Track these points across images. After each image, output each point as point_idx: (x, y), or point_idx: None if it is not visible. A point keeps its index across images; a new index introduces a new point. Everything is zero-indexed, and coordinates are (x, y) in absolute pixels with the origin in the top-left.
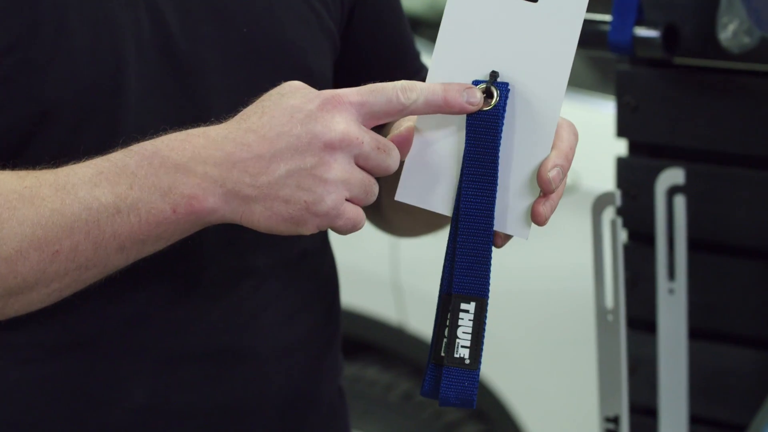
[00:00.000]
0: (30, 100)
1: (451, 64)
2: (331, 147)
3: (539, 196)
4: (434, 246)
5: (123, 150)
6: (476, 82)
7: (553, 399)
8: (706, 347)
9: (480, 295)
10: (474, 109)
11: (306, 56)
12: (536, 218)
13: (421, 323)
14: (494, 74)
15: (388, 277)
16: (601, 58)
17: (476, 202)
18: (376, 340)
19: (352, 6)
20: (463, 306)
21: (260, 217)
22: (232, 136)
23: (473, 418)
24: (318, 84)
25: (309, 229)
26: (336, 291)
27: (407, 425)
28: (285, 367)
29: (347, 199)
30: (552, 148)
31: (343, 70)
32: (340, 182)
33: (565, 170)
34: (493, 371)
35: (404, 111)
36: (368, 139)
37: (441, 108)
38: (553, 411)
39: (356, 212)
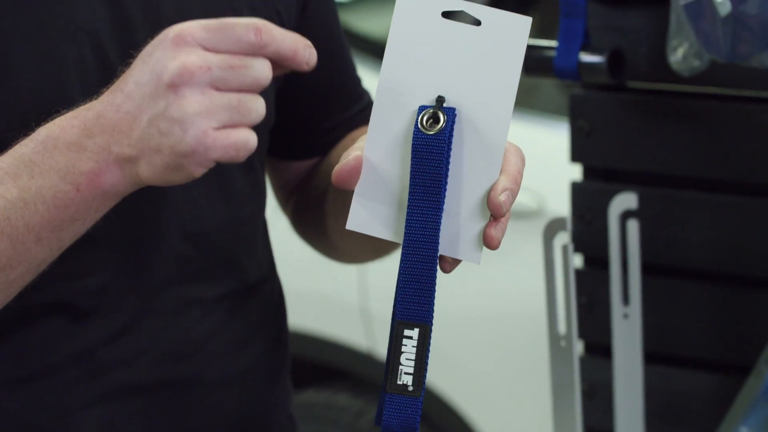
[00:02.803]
0: None
1: (397, 90)
2: (173, 84)
3: (490, 220)
4: None
5: (22, 140)
6: (422, 108)
7: (518, 421)
8: (662, 371)
9: (423, 321)
10: (308, 69)
11: None
12: (489, 242)
13: None
14: (440, 99)
15: (356, 304)
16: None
17: (421, 228)
18: (346, 367)
19: None
20: (407, 332)
21: (147, 173)
22: (107, 100)
23: None
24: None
25: (192, 172)
26: (284, 319)
27: None
28: (234, 394)
29: (221, 128)
30: (500, 172)
31: (286, 98)
32: (197, 115)
33: (514, 193)
34: (461, 397)
35: (254, 52)
36: (217, 61)
37: (287, 61)
38: None
39: (236, 137)
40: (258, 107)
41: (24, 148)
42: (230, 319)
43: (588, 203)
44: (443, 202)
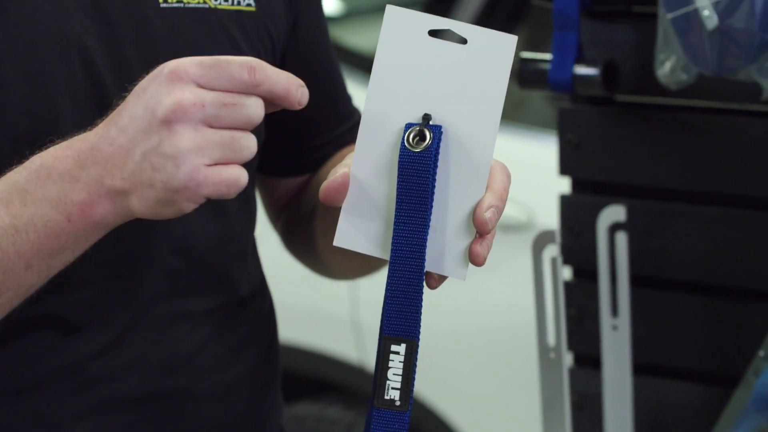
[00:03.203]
0: None
1: (384, 107)
2: (167, 120)
3: (476, 237)
4: None
5: (16, 167)
6: (409, 125)
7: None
8: (651, 382)
9: (410, 337)
10: (299, 108)
11: None
12: (474, 259)
13: None
14: (427, 117)
15: (348, 317)
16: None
17: (407, 244)
18: (337, 379)
19: (283, 54)
20: (394, 348)
21: (139, 207)
22: (102, 133)
23: None
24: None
25: (183, 207)
26: (274, 332)
27: None
28: (225, 407)
29: (213, 164)
30: (486, 189)
31: (276, 117)
32: (189, 152)
33: (500, 210)
34: (453, 409)
35: (247, 91)
36: (210, 98)
37: (280, 100)
38: None
39: (227, 174)
40: (250, 145)
41: (17, 175)
42: (220, 333)
43: (577, 216)
44: (429, 219)
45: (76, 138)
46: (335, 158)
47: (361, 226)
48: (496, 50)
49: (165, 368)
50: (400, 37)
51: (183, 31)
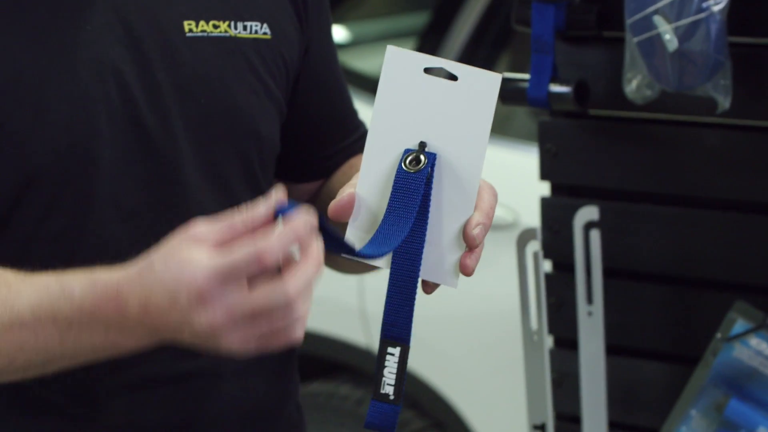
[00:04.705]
0: (15, 170)
1: (385, 136)
2: (206, 335)
3: (465, 251)
4: None
5: (60, 288)
6: (407, 151)
7: (498, 406)
8: (622, 362)
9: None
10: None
11: (255, 121)
12: (464, 270)
13: None
14: (422, 144)
15: (356, 305)
16: (541, 112)
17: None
18: (347, 361)
19: (296, 76)
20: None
21: (187, 345)
22: (143, 302)
23: (433, 428)
24: (266, 145)
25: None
26: None
27: None
28: (245, 385)
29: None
30: (475, 208)
31: (291, 129)
32: (232, 345)
33: (486, 227)
34: (449, 386)
35: (264, 269)
36: (240, 312)
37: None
38: (501, 419)
39: (284, 339)
40: (291, 332)
41: (62, 303)
42: None
43: (556, 215)
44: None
45: (114, 286)
46: (345, 167)
47: (365, 239)
48: (483, 86)
49: (190, 351)
50: (399, 74)
51: (207, 57)
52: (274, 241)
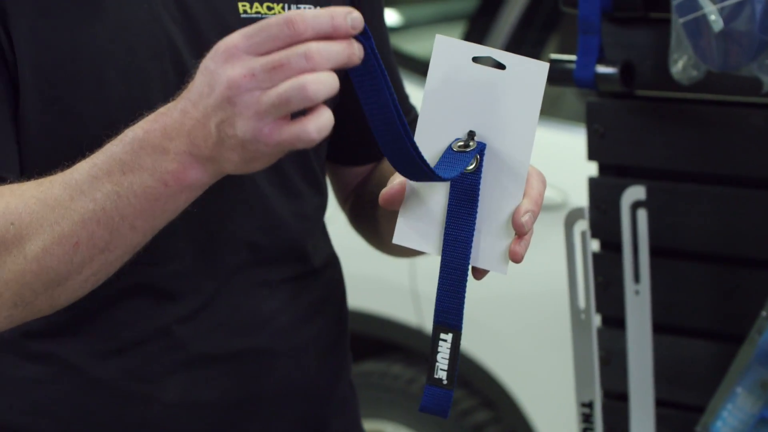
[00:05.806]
0: (72, 144)
1: (434, 124)
2: (226, 97)
3: (515, 238)
4: None
5: (114, 139)
6: (457, 140)
7: (547, 385)
8: (669, 340)
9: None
10: (356, 32)
11: None
12: (513, 257)
13: None
14: (471, 133)
15: (407, 285)
16: (589, 93)
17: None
18: (399, 341)
19: None
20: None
21: (228, 167)
22: (180, 107)
23: (484, 406)
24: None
25: (270, 160)
26: (343, 297)
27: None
28: (299, 364)
29: (282, 119)
30: (524, 195)
31: (341, 116)
32: (252, 119)
33: (535, 215)
34: (498, 365)
35: (294, 42)
36: (259, 66)
37: (330, 34)
38: (549, 397)
39: (297, 127)
40: (321, 85)
41: (115, 147)
42: (294, 298)
43: (603, 195)
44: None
45: (161, 110)
46: None
47: (416, 227)
48: (530, 75)
49: (245, 330)
50: (448, 63)
51: None
52: (308, 12)
